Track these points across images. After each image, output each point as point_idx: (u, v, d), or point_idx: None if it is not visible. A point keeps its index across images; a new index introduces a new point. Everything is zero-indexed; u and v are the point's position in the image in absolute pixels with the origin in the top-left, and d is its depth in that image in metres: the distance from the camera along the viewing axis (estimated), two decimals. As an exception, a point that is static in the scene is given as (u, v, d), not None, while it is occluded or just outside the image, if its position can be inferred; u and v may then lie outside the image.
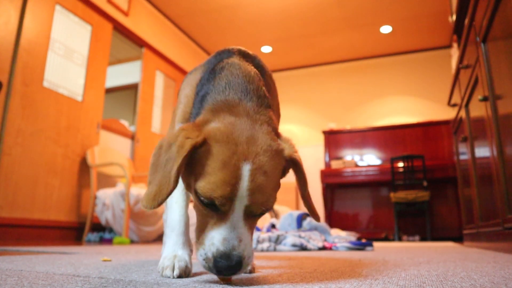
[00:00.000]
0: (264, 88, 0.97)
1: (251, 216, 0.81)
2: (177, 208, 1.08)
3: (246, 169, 0.76)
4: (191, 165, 0.83)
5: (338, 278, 0.93)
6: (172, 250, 1.02)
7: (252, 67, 1.03)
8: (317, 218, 0.98)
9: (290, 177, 1.02)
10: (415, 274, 1.04)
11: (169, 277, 0.93)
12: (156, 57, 5.97)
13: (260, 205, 0.78)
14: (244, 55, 1.08)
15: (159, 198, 0.81)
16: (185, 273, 0.95)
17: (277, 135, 0.90)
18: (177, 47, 6.52)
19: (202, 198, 0.78)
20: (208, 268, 0.77)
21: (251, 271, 1.05)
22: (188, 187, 0.87)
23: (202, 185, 0.78)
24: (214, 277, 0.95)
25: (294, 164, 0.90)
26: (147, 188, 0.87)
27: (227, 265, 0.75)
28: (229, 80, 0.95)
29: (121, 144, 5.15)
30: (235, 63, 1.00)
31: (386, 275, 1.01)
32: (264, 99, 0.94)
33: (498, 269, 1.16)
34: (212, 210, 0.79)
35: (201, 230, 0.82)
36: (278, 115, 1.12)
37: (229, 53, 1.09)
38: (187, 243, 1.06)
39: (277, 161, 0.83)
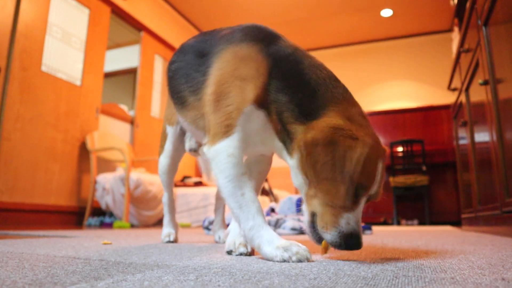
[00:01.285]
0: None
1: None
2: (251, 192, 1.00)
3: (380, 165, 0.93)
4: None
5: (337, 260, 0.94)
6: (284, 242, 0.95)
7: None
8: None
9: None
10: (414, 256, 1.05)
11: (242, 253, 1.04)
12: (154, 41, 5.91)
13: (377, 197, 0.96)
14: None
15: None
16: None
17: None
18: (176, 30, 6.46)
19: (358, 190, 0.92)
20: (338, 244, 0.89)
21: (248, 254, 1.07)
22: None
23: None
24: (226, 256, 0.95)
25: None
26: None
27: (357, 241, 0.90)
28: (327, 77, 1.05)
29: (120, 129, 5.15)
30: (310, 56, 1.11)
31: (385, 257, 1.02)
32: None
33: (496, 251, 1.17)
34: (353, 198, 0.90)
35: (332, 213, 0.90)
36: None
37: (278, 37, 1.13)
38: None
39: None
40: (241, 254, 1.05)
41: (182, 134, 1.62)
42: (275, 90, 0.98)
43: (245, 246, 1.05)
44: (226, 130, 0.98)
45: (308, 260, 0.89)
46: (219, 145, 0.98)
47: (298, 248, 0.90)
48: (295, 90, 0.97)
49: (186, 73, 1.21)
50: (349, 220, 0.89)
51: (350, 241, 0.89)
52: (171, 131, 1.61)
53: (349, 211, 0.90)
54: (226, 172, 0.97)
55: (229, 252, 1.08)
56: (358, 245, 0.90)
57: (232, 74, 1.00)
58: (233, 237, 1.09)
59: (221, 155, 0.98)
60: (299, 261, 0.88)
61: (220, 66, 1.05)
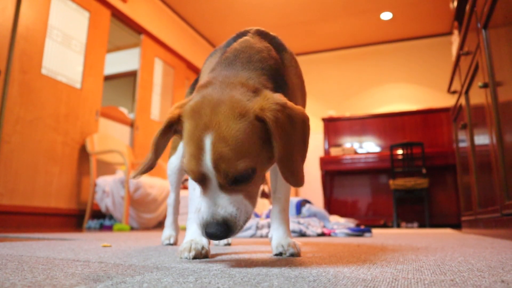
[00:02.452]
0: (265, 56, 0.97)
1: (231, 184, 0.81)
2: (197, 194, 1.10)
3: (207, 140, 0.79)
4: None
5: (337, 263, 0.94)
6: (191, 234, 1.10)
7: (266, 43, 1.04)
8: (294, 182, 0.87)
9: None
10: (413, 258, 1.05)
11: (186, 258, 1.02)
12: (155, 44, 5.92)
13: (225, 174, 0.79)
14: (261, 34, 1.10)
15: (142, 169, 0.95)
16: (201, 254, 1.03)
17: (257, 91, 0.86)
18: (176, 33, 6.47)
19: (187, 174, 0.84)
20: (204, 236, 0.83)
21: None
22: None
23: (182, 162, 0.84)
24: (225, 258, 0.96)
25: (265, 121, 0.82)
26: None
27: (213, 232, 0.80)
28: (227, 56, 0.97)
29: (120, 132, 5.15)
30: (245, 40, 1.02)
31: (385, 259, 1.02)
32: (251, 64, 0.93)
33: (495, 254, 1.17)
34: (197, 183, 0.84)
35: None
36: (297, 90, 1.11)
37: (245, 32, 1.10)
38: None
39: (244, 124, 0.80)
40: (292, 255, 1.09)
41: None
42: None
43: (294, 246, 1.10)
44: None
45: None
46: None
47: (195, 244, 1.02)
48: None
49: None
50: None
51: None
52: None
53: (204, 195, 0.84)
54: None
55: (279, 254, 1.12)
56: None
57: None
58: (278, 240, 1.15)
59: None
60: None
61: None
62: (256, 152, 0.82)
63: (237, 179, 0.81)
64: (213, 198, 0.82)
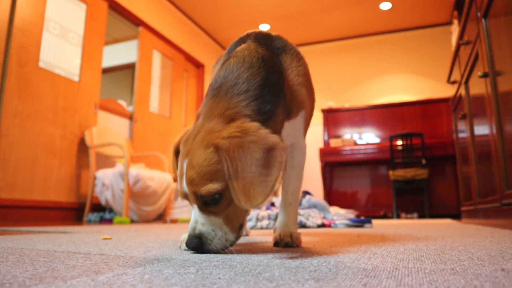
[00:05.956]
0: (254, 72, 1.00)
1: (204, 205, 0.92)
2: None
3: (184, 165, 0.92)
4: None
5: (337, 253, 0.94)
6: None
7: (263, 49, 1.06)
8: (244, 204, 0.89)
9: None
10: (414, 248, 1.05)
11: (185, 250, 1.04)
12: (153, 36, 5.89)
13: (194, 195, 0.91)
14: (260, 39, 1.12)
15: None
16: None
17: (232, 121, 0.93)
18: (174, 25, 6.43)
19: None
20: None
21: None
22: None
23: None
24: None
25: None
26: None
27: (189, 243, 0.92)
28: (213, 84, 1.03)
29: (119, 124, 5.14)
30: (238, 53, 1.06)
31: (385, 249, 1.02)
32: (235, 88, 0.98)
33: (495, 243, 1.17)
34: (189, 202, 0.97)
35: None
36: (299, 90, 1.12)
37: (245, 38, 1.14)
38: None
39: (208, 153, 0.90)
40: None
41: None
42: None
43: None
44: None
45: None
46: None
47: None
48: None
49: None
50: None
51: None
52: None
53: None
54: None
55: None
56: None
57: None
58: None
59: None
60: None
61: None
62: (222, 178, 0.89)
63: (206, 201, 0.91)
64: (195, 215, 0.94)
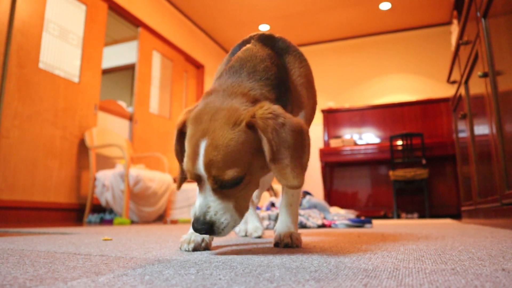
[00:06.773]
0: (268, 65, 1.01)
1: (222, 188, 0.87)
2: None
3: (202, 146, 0.84)
4: None
5: (338, 253, 0.94)
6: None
7: (268, 49, 1.08)
8: (286, 184, 0.87)
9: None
10: (414, 248, 1.05)
11: (186, 250, 1.04)
12: (152, 37, 5.89)
13: (214, 179, 0.85)
14: (264, 40, 1.13)
15: (179, 181, 1.05)
16: (200, 246, 1.06)
17: (256, 102, 0.90)
18: (173, 26, 6.43)
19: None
20: (192, 228, 0.89)
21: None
22: None
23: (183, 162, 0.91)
24: (226, 250, 0.96)
25: (256, 128, 0.85)
26: None
27: (198, 227, 0.87)
28: (232, 65, 1.01)
29: (119, 125, 5.14)
30: (248, 49, 1.06)
31: (385, 249, 1.02)
32: (256, 74, 0.97)
33: (496, 243, 1.17)
34: (194, 181, 0.91)
35: None
36: (302, 91, 1.14)
37: (249, 40, 1.16)
38: None
39: (237, 133, 0.84)
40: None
41: None
42: None
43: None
44: None
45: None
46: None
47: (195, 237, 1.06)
48: None
49: None
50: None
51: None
52: None
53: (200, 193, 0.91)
54: None
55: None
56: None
57: None
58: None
59: None
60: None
61: None
62: (246, 160, 0.86)
63: (225, 184, 0.86)
64: (206, 198, 0.88)
